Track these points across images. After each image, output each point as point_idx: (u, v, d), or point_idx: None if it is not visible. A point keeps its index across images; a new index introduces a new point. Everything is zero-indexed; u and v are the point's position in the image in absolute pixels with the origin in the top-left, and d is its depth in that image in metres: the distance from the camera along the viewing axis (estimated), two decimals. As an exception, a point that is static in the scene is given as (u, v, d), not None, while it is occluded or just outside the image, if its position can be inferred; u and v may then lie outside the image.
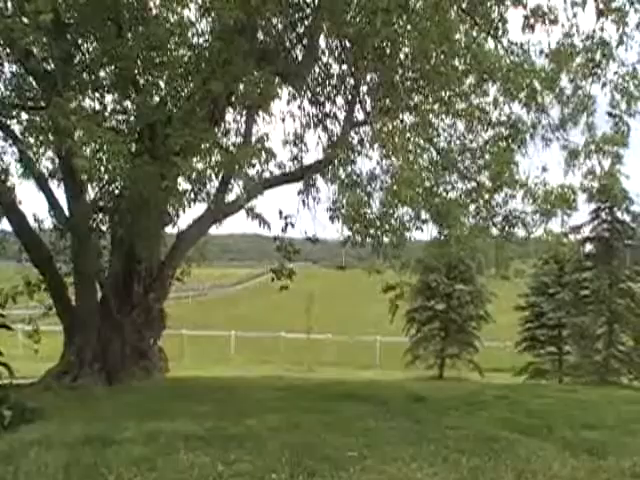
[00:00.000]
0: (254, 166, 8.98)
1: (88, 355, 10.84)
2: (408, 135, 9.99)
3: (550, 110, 10.39)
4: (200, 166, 8.93)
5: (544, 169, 10.31)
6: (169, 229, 11.36)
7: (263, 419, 7.04)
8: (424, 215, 10.40)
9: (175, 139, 8.42)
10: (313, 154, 11.68)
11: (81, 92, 9.27)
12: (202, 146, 8.84)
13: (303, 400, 8.86)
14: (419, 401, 8.92)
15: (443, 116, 11.09)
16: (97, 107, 10.07)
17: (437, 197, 10.69)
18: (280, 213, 10.47)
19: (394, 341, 26.35)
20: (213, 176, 9.22)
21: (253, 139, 10.84)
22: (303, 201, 10.99)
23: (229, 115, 11.30)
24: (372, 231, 9.13)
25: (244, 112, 11.42)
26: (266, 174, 9.82)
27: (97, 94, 10.13)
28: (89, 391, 9.76)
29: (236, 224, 12.69)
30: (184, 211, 9.26)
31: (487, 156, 10.88)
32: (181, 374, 13.76)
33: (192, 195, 9.20)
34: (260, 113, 11.25)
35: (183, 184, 9.18)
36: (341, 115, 11.41)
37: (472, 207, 11.15)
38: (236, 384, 11.92)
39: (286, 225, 10.61)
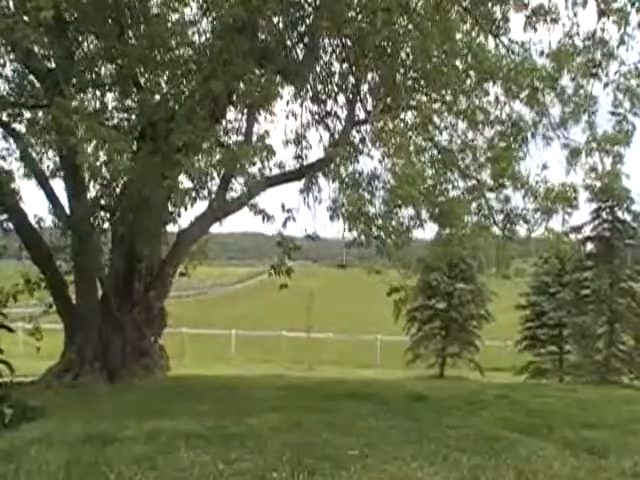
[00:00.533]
0: (255, 164, 8.99)
1: (89, 353, 10.86)
2: (409, 134, 9.99)
3: (551, 109, 10.41)
4: (201, 164, 8.93)
5: (544, 167, 10.33)
6: (170, 227, 11.37)
7: (264, 418, 7.04)
8: (425, 214, 10.39)
9: (177, 136, 8.42)
10: (314, 153, 11.70)
11: (82, 90, 9.28)
12: (203, 144, 8.84)
13: (304, 399, 8.87)
14: (420, 400, 8.92)
15: (444, 115, 11.08)
16: (98, 105, 10.08)
17: (439, 196, 10.69)
18: (283, 207, 10.46)
19: (395, 340, 26.30)
20: (214, 174, 9.23)
21: (254, 137, 10.84)
22: (304, 199, 10.99)
23: (230, 114, 11.32)
24: (375, 231, 9.11)
25: (245, 111, 11.41)
26: (266, 171, 9.82)
27: (98, 92, 10.14)
28: (90, 389, 9.77)
29: (237, 222, 12.70)
30: (185, 209, 9.27)
31: (489, 154, 10.88)
32: (182, 372, 13.75)
33: (193, 193, 9.20)
34: (261, 112, 11.26)
35: (185, 182, 9.20)
36: (342, 114, 11.42)
37: (474, 205, 11.16)
38: (237, 383, 11.93)
39: (287, 218, 10.57)
